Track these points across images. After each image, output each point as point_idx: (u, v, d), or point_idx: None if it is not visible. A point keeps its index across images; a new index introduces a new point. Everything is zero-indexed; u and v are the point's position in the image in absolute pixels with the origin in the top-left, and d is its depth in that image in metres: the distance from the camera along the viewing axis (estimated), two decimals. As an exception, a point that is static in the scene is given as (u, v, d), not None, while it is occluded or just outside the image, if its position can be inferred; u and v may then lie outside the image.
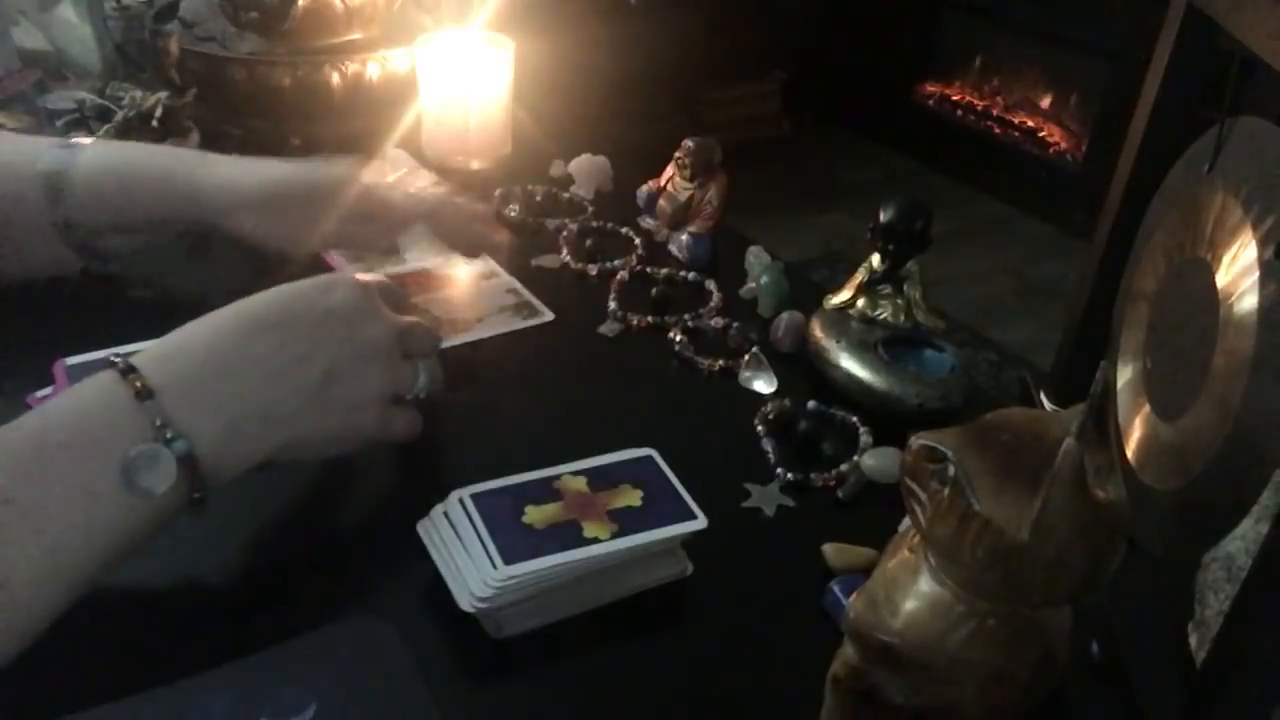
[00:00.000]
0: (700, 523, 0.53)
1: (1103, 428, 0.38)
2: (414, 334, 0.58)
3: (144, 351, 0.50)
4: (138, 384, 0.47)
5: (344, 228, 0.71)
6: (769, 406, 0.69)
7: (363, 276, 0.57)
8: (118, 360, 0.48)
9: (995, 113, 3.22)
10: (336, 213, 0.70)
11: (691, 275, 0.83)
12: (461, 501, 0.52)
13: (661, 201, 0.87)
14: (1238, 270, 0.52)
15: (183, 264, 0.73)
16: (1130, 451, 0.60)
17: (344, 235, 0.72)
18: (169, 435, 0.46)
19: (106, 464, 0.45)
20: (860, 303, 0.73)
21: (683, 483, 0.55)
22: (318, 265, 0.78)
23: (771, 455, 0.65)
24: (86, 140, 0.68)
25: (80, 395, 0.48)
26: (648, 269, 0.84)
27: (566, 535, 0.51)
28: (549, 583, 0.51)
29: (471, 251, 0.77)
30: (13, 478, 0.43)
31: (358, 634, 0.48)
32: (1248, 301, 0.51)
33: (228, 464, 0.49)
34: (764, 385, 0.72)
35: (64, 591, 0.44)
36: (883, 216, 0.71)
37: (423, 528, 0.53)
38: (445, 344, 0.71)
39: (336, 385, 0.53)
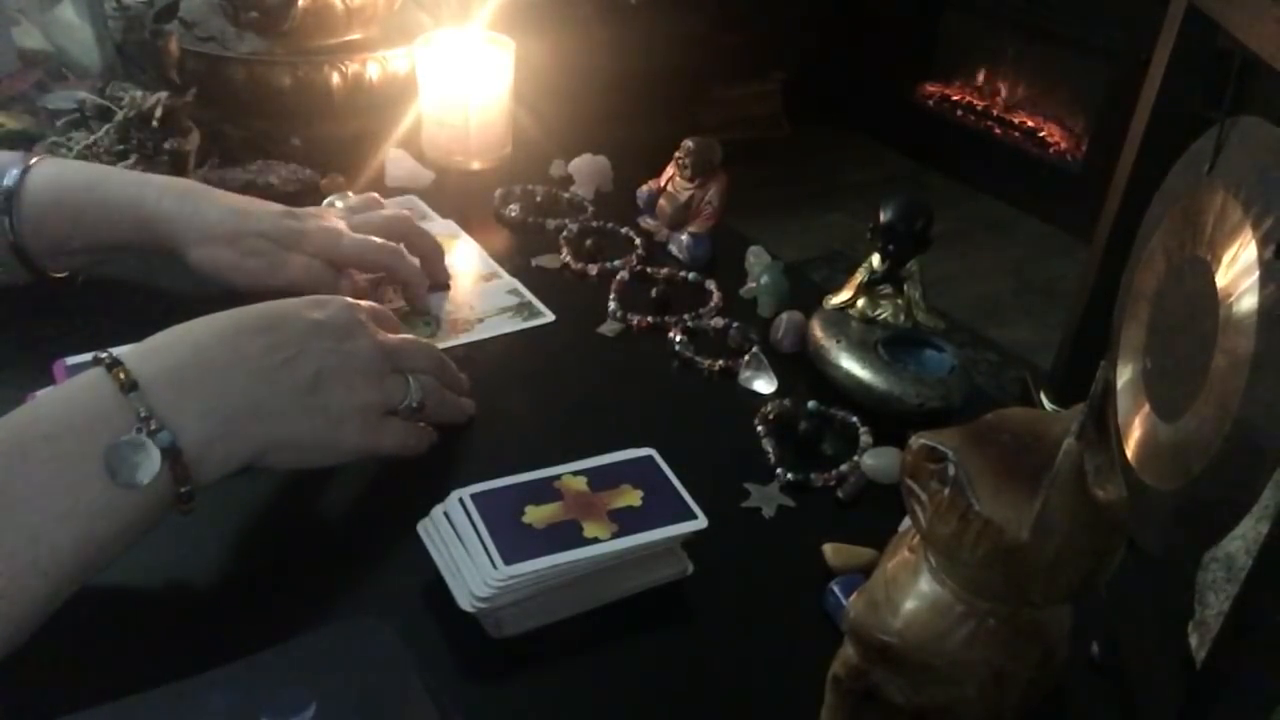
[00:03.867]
0: (700, 523, 0.53)
1: (1103, 428, 0.38)
2: (405, 350, 0.59)
3: (132, 346, 0.50)
4: (122, 376, 0.47)
5: (308, 271, 0.69)
6: (769, 406, 0.69)
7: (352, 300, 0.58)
8: (104, 355, 0.48)
9: (995, 113, 3.22)
10: (300, 257, 0.68)
11: (691, 275, 0.83)
12: (461, 501, 0.52)
13: (661, 201, 0.87)
14: (1238, 270, 0.52)
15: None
16: (1130, 451, 0.61)
17: (309, 278, 0.69)
18: (154, 426, 0.46)
19: (90, 455, 0.45)
20: (860, 303, 0.73)
21: (683, 483, 0.55)
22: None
23: (771, 455, 0.65)
24: (43, 159, 0.68)
25: (67, 389, 0.48)
26: (648, 269, 0.84)
27: (566, 535, 0.51)
28: (549, 583, 0.51)
29: (417, 298, 0.74)
30: None
31: (358, 634, 0.47)
32: (1248, 301, 0.51)
33: (213, 458, 0.49)
34: (764, 385, 0.72)
35: (47, 588, 0.44)
36: (883, 216, 0.71)
37: (423, 528, 0.53)
38: (446, 345, 0.72)
39: (323, 391, 0.53)
